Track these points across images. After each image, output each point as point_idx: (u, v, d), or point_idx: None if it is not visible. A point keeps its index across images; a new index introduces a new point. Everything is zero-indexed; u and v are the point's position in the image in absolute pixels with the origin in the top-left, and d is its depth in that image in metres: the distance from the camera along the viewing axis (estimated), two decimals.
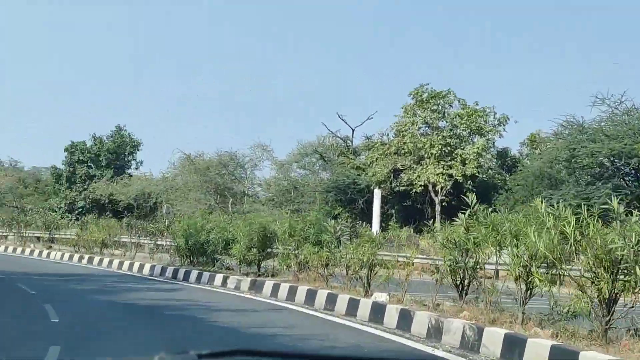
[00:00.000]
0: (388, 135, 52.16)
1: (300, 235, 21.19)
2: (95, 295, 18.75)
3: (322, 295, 17.52)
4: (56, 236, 39.33)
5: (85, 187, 68.44)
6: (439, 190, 46.79)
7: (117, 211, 63.92)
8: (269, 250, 23.80)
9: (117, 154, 70.85)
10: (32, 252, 37.99)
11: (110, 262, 31.35)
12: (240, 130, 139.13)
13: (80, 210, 66.53)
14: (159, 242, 34.04)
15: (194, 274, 25.04)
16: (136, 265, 29.35)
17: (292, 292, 19.07)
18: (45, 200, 72.49)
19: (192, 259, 27.62)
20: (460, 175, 46.04)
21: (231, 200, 58.75)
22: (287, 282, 20.13)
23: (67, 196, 68.32)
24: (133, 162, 72.69)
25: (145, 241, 33.85)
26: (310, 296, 18.02)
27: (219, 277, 23.53)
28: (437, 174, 46.44)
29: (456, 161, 46.56)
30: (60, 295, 18.61)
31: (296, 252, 21.05)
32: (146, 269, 28.39)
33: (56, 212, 66.62)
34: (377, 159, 49.96)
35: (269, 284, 20.59)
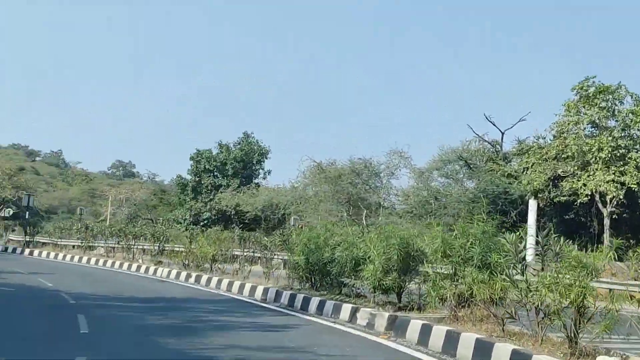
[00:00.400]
0: (545, 137, 44.93)
1: (459, 255, 14.83)
2: (169, 337, 13.05)
3: (502, 352, 11.05)
4: (166, 249, 34.39)
5: (211, 197, 64.50)
6: (609, 200, 39.17)
7: (244, 223, 59.46)
8: (412, 273, 17.59)
9: (244, 163, 66.57)
10: (138, 268, 33.27)
11: (219, 282, 25.96)
12: (375, 135, 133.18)
13: (205, 222, 62.54)
14: (279, 258, 28.58)
15: (314, 301, 19.13)
16: (247, 287, 23.78)
17: (451, 340, 12.66)
18: (171, 211, 69.15)
19: (313, 281, 21.80)
20: (634, 183, 38.26)
21: (365, 212, 52.71)
22: (442, 324, 13.82)
23: (192, 207, 64.54)
24: (261, 171, 68.33)
25: (260, 255, 28.33)
26: (482, 350, 11.61)
27: (346, 308, 17.49)
28: (607, 182, 38.76)
29: (630, 166, 38.76)
30: (119, 336, 13.06)
31: (454, 278, 14.73)
32: (258, 293, 22.76)
33: (181, 223, 62.96)
34: (532, 165, 42.76)
35: (415, 324, 14.29)
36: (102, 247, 39.50)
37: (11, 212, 77.38)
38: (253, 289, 23.31)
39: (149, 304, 19.20)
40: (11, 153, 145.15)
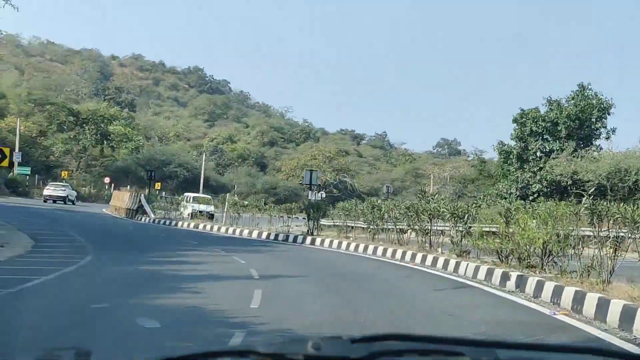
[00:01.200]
0: None
1: None
2: None
3: None
4: (473, 232, 22.73)
5: (541, 165, 51.80)
6: None
7: (583, 195, 46.06)
8: None
9: (581, 121, 52.58)
10: (435, 261, 22.17)
11: (558, 293, 14.03)
12: None
13: (535, 195, 50.09)
14: None
15: None
16: (615, 308, 11.78)
17: None
18: (493, 184, 57.49)
19: None
20: None
21: None
22: None
23: (518, 178, 52.32)
24: (602, 130, 53.76)
25: (632, 237, 15.83)
26: None
27: None
28: None
29: None
30: None
31: None
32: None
33: (506, 198, 51.19)
34: None
35: None
36: (392, 230, 29.00)
37: (324, 195, 71.25)
38: (628, 316, 11.27)
39: None
40: (337, 138, 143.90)
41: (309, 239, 33.38)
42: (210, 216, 48.97)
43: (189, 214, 49.03)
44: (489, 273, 18.37)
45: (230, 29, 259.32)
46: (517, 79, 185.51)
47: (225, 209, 43.37)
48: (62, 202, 62.01)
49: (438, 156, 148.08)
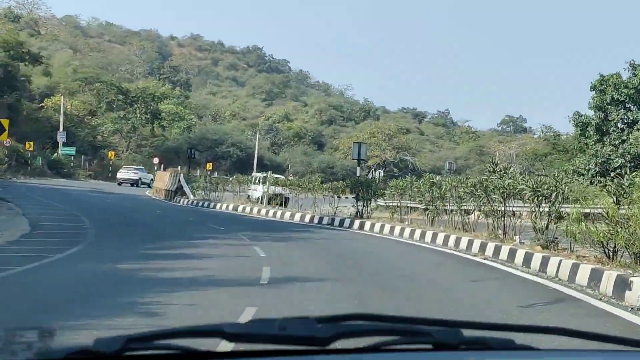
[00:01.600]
0: None
1: None
2: None
3: None
4: (565, 216, 16.87)
5: (624, 137, 45.25)
6: None
7: None
8: None
9: None
10: (512, 255, 16.69)
11: None
12: None
13: (616, 171, 43.64)
14: None
15: None
16: None
17: None
18: (569, 160, 50.99)
19: None
20: None
21: None
22: None
23: (597, 152, 45.84)
24: None
25: None
26: None
27: None
28: None
29: None
30: None
31: None
32: None
33: (584, 175, 44.91)
34: None
35: None
36: (456, 212, 23.23)
37: (382, 174, 65.57)
38: None
39: None
40: (399, 116, 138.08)
41: (357, 222, 27.92)
42: (285, 200, 39.48)
43: (258, 198, 40.58)
44: (594, 276, 12.66)
45: (288, 8, 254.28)
46: (588, 48, 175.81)
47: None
48: (135, 185, 60.98)
49: (503, 133, 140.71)
